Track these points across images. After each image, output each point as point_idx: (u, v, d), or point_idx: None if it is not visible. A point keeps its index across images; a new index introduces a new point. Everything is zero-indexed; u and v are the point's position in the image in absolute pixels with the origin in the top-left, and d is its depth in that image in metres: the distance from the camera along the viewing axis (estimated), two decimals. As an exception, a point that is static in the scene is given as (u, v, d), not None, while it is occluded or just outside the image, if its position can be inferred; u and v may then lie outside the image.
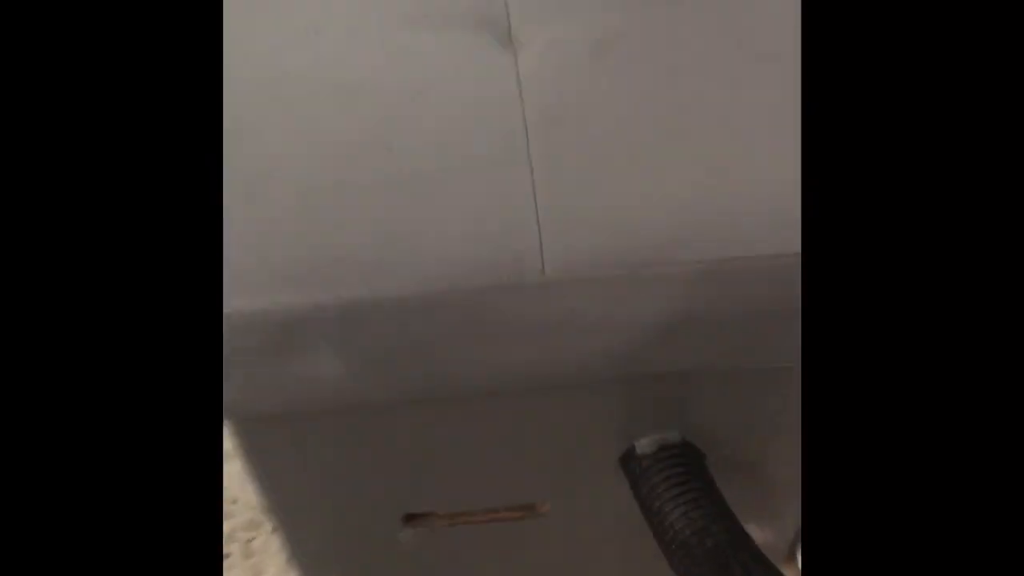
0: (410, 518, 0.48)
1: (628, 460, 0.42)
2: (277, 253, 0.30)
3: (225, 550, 0.59)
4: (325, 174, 0.31)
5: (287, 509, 0.43)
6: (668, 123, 0.33)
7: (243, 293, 0.29)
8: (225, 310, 0.27)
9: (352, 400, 0.35)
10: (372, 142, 0.32)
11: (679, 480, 0.39)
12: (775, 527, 0.49)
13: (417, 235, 0.31)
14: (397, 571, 0.52)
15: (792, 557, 0.53)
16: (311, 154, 0.31)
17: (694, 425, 0.41)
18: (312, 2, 0.34)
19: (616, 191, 0.32)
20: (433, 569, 0.53)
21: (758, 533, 0.39)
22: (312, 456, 0.40)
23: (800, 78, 0.24)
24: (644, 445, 0.41)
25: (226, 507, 0.60)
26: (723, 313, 0.33)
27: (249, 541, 0.59)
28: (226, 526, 0.60)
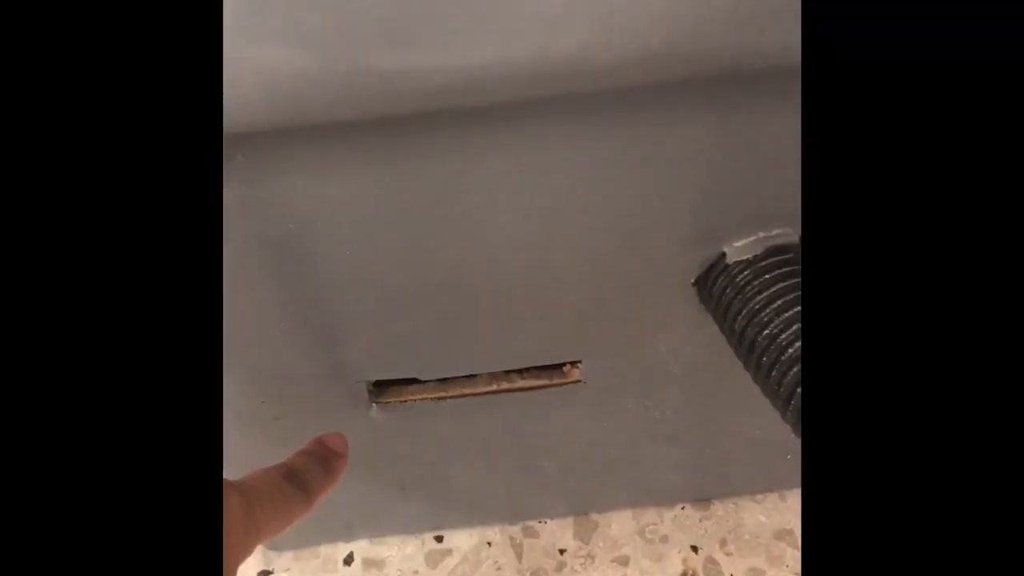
0: (380, 390, 0.43)
1: (715, 274, 0.38)
2: None
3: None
4: None
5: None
6: None
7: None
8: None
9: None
10: None
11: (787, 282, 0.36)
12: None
13: None
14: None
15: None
16: None
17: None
18: None
19: None
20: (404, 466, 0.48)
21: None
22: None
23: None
24: (744, 248, 0.38)
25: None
26: None
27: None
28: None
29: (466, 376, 0.43)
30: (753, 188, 0.35)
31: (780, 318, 0.34)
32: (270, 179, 0.31)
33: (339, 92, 0.27)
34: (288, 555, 0.53)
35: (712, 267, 0.37)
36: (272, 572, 0.52)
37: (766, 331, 0.35)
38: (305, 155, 0.31)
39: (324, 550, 0.53)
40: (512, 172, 0.33)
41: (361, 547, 0.53)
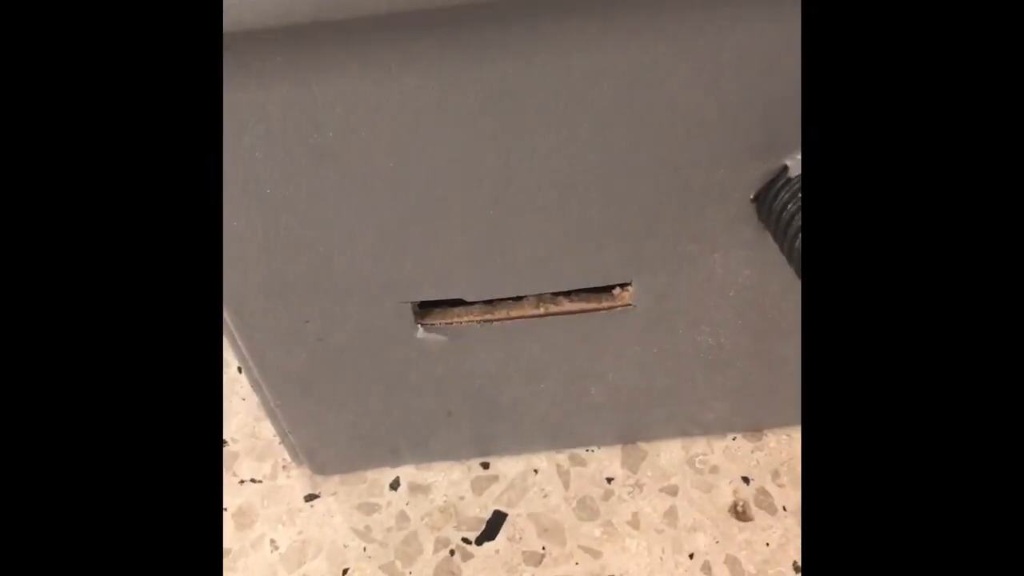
0: (425, 311, 0.41)
1: (776, 188, 0.36)
2: None
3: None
4: None
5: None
6: None
7: None
8: None
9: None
10: None
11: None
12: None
13: None
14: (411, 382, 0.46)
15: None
16: None
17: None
18: None
19: None
20: (450, 390, 0.47)
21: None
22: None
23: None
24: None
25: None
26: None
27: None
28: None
29: (513, 298, 0.42)
30: (820, 96, 0.33)
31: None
32: (310, 82, 0.30)
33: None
34: (334, 479, 0.53)
35: (773, 181, 0.35)
36: (318, 495, 0.52)
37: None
38: (345, 57, 0.29)
39: (370, 475, 0.53)
40: (562, 75, 0.31)
41: (407, 472, 0.53)
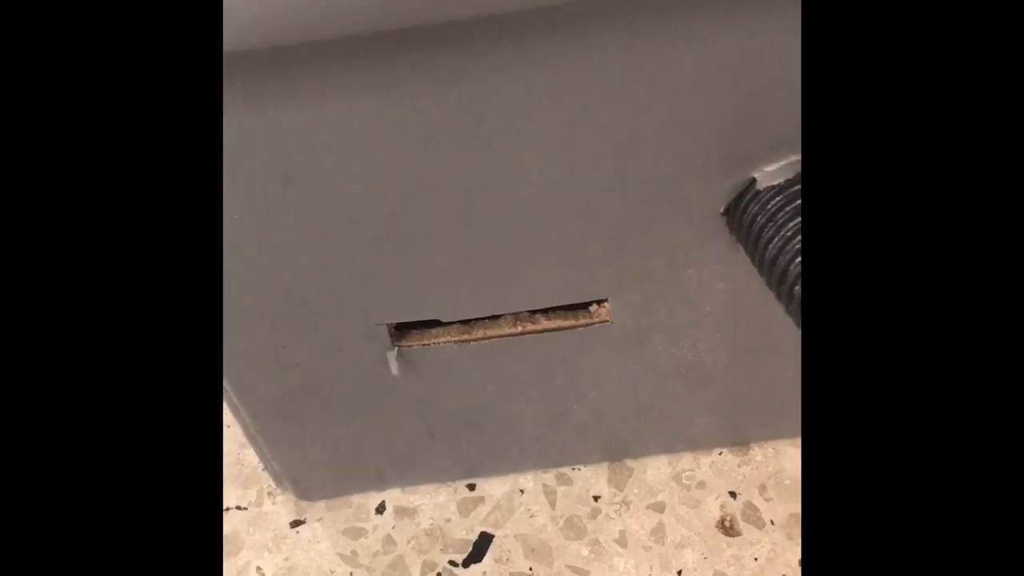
0: (402, 333, 0.41)
1: (746, 201, 0.36)
2: None
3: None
4: None
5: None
6: None
7: None
8: None
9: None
10: None
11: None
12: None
13: None
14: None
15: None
16: None
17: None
18: None
19: None
20: (431, 412, 0.47)
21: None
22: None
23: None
24: (775, 173, 0.35)
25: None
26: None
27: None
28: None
29: (489, 317, 0.42)
30: (784, 108, 0.33)
31: (814, 244, 0.32)
32: (272, 106, 0.30)
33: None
34: (320, 505, 0.52)
35: (742, 194, 0.36)
36: (304, 521, 0.52)
37: (799, 258, 0.33)
38: (308, 78, 0.29)
39: (356, 499, 0.53)
40: (528, 93, 0.31)
41: (393, 496, 0.52)
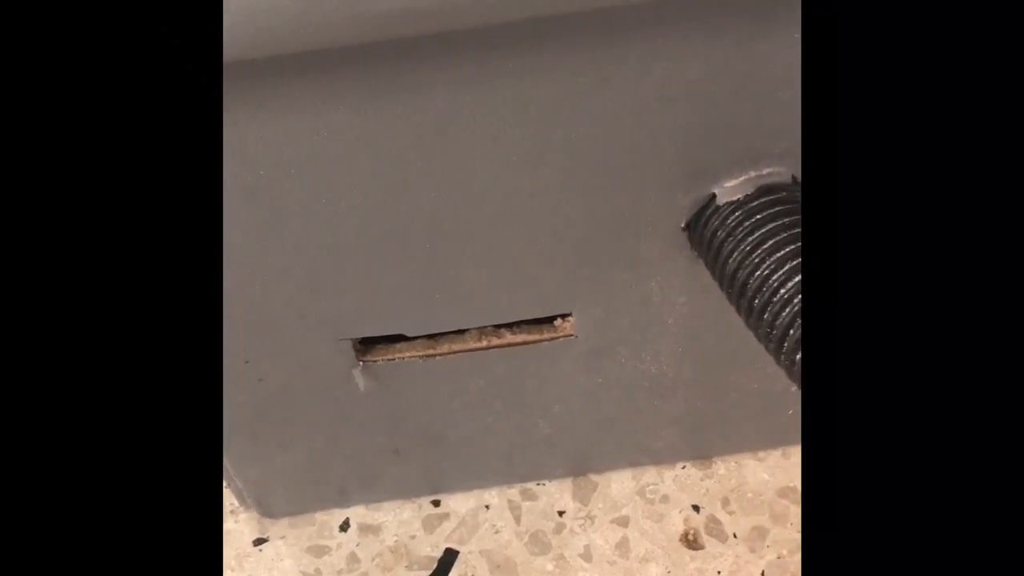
0: (366, 348, 0.41)
1: (706, 216, 0.36)
2: None
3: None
4: None
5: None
6: None
7: None
8: None
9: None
10: None
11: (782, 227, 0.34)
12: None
13: None
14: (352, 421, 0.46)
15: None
16: None
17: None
18: None
19: None
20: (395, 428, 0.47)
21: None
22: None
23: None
24: (735, 189, 0.36)
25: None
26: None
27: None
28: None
29: (455, 332, 0.42)
30: (744, 124, 0.34)
31: (772, 258, 0.33)
32: (237, 120, 0.30)
33: (306, 14, 0.26)
34: (283, 522, 0.52)
35: (703, 209, 0.36)
36: (267, 539, 0.51)
37: (758, 272, 0.33)
38: (273, 91, 0.29)
39: (320, 517, 0.52)
40: (494, 109, 0.32)
41: (357, 513, 0.52)
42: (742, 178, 0.35)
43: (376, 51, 0.28)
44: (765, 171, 0.35)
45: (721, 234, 0.35)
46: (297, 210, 0.34)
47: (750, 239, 0.34)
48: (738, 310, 0.35)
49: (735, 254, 0.34)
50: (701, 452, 0.53)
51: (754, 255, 0.34)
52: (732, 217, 0.35)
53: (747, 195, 0.35)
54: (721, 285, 0.36)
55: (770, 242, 0.33)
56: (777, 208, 0.34)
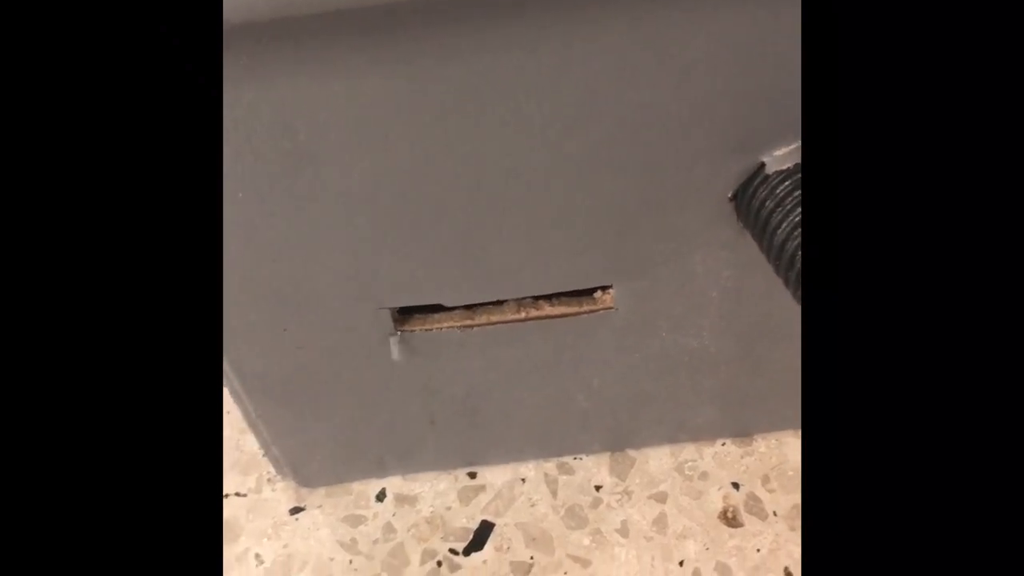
0: (404, 318, 0.41)
1: (754, 186, 0.36)
2: None
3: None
4: None
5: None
6: None
7: None
8: None
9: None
10: None
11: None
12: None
13: None
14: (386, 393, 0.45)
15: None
16: None
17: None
18: None
19: None
20: (432, 399, 0.46)
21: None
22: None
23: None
24: (785, 157, 0.35)
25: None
26: None
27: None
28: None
29: (493, 303, 0.41)
30: (795, 91, 0.33)
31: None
32: (277, 83, 0.30)
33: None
34: (320, 492, 0.52)
35: (751, 179, 0.35)
36: (304, 508, 0.52)
37: (808, 243, 0.32)
38: (313, 54, 0.29)
39: (356, 487, 0.52)
40: (537, 73, 0.31)
41: (394, 483, 0.52)
42: (793, 146, 0.34)
43: (420, 12, 0.28)
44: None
45: (770, 204, 0.34)
46: (336, 176, 0.33)
47: (800, 210, 0.33)
48: (786, 283, 0.34)
49: (784, 225, 0.33)
50: (742, 429, 0.52)
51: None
52: (782, 187, 0.34)
53: (797, 164, 0.34)
54: (768, 257, 0.35)
55: None
56: (828, 178, 0.33)
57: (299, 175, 0.33)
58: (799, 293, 0.33)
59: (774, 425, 0.52)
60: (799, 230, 0.33)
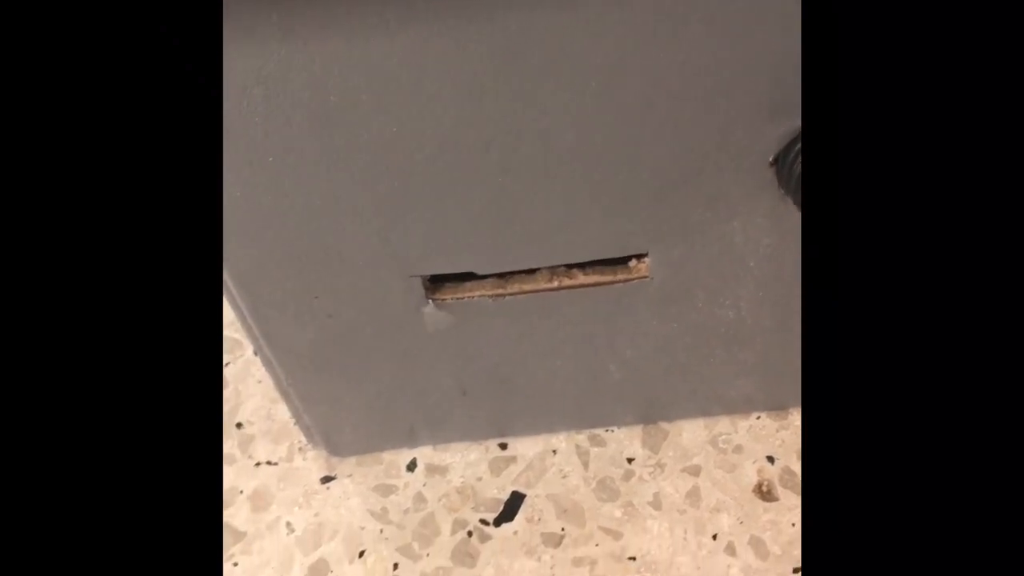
0: (436, 285, 0.40)
1: (796, 150, 0.34)
2: None
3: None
4: None
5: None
6: None
7: None
8: None
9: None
10: None
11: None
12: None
13: None
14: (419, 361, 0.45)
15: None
16: None
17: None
18: None
19: None
20: (464, 368, 0.46)
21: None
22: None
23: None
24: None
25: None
26: None
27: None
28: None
29: (525, 272, 0.41)
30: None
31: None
32: (308, 41, 0.29)
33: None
34: (351, 461, 0.52)
35: (792, 143, 0.34)
36: (335, 477, 0.52)
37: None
38: (342, 13, 0.28)
39: (387, 456, 0.52)
40: (567, 31, 0.30)
41: (424, 453, 0.52)
42: (837, 109, 0.33)
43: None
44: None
45: (812, 169, 0.33)
46: (367, 138, 0.33)
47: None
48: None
49: None
50: (777, 403, 0.51)
51: None
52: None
53: (842, 127, 0.33)
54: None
55: None
56: (875, 141, 0.32)
57: (328, 137, 0.33)
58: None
59: (811, 399, 0.51)
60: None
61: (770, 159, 0.35)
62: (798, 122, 0.34)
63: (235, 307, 0.40)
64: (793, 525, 0.47)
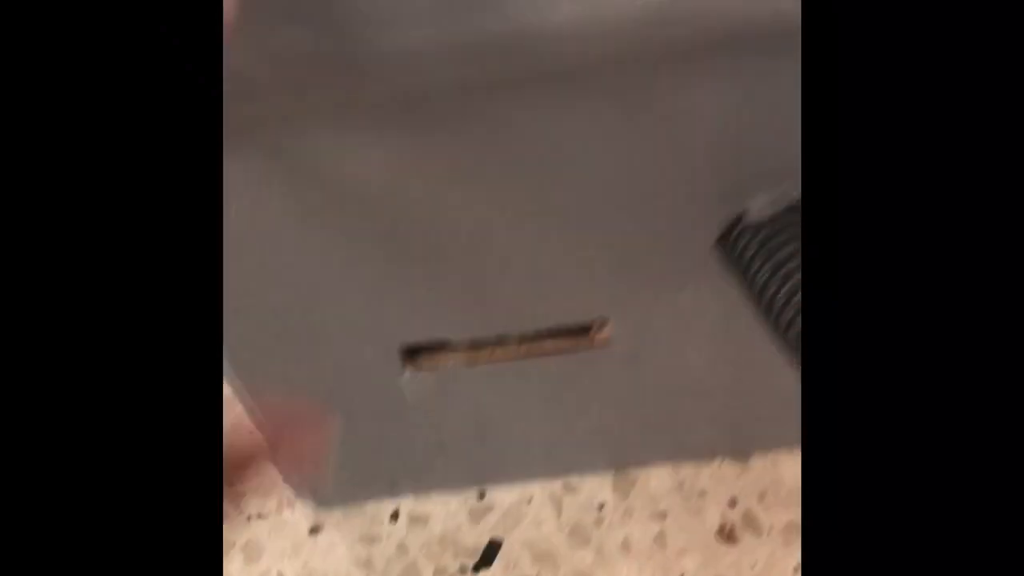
0: (412, 354, 0.43)
1: (736, 233, 0.39)
2: None
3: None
4: None
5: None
6: None
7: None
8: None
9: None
10: None
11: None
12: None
13: None
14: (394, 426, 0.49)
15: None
16: None
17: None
18: None
19: None
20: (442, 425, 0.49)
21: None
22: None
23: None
24: (765, 206, 0.38)
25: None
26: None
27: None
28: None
29: (496, 340, 0.44)
30: (774, 144, 0.35)
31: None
32: (294, 154, 0.32)
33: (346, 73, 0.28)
34: (337, 512, 0.55)
35: (734, 225, 0.37)
36: (322, 528, 0.54)
37: (786, 285, 0.35)
38: (325, 133, 0.32)
39: (371, 507, 0.55)
40: (533, 141, 0.33)
41: (407, 504, 0.55)
42: (774, 195, 0.37)
43: (419, 100, 0.30)
44: (795, 189, 0.36)
45: (753, 247, 0.36)
46: (348, 230, 0.36)
47: (784, 251, 0.35)
48: (766, 319, 0.36)
49: (767, 265, 0.36)
50: (738, 448, 0.54)
51: (789, 265, 0.35)
52: (763, 232, 0.36)
53: (779, 211, 0.36)
54: (751, 296, 0.37)
55: (799, 257, 0.34)
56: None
57: (311, 231, 0.36)
58: (778, 332, 0.35)
59: (769, 444, 0.54)
60: (783, 268, 0.35)
61: (715, 239, 0.38)
62: (739, 207, 0.37)
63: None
64: (752, 567, 0.50)
